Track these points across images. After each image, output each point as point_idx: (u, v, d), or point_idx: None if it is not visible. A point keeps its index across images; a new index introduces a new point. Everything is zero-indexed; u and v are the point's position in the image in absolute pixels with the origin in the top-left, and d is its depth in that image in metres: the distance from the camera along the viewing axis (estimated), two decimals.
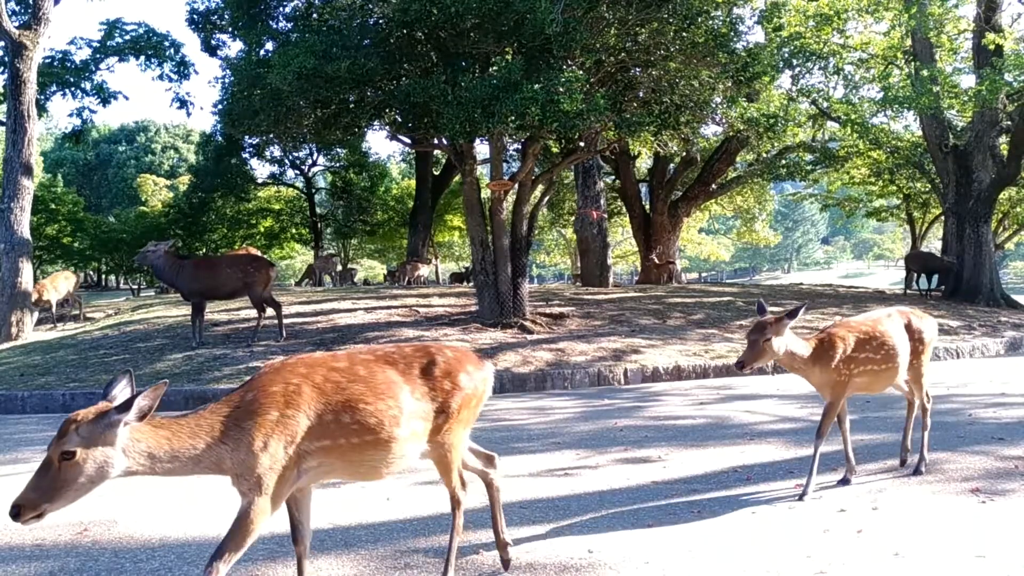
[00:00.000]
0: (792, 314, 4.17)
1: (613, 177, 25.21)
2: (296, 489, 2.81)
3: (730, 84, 11.76)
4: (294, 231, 32.23)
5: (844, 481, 4.63)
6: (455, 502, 3.25)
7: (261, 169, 30.82)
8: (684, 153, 21.78)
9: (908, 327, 4.78)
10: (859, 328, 4.58)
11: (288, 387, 2.73)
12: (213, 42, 16.72)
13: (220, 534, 3.95)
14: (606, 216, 21.46)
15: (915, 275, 19.32)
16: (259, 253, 13.50)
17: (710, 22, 11.40)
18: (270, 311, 11.26)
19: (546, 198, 14.71)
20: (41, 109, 18.57)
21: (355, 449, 2.81)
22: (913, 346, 4.77)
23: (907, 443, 5.04)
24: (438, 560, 3.56)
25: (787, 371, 4.75)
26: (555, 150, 13.95)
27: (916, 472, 4.80)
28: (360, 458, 2.84)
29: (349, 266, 30.49)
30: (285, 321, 11.35)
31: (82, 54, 20.41)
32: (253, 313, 13.00)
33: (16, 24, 15.23)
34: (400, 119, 12.23)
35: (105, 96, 20.37)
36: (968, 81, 18.71)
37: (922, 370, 4.89)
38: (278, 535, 3.96)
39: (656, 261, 22.78)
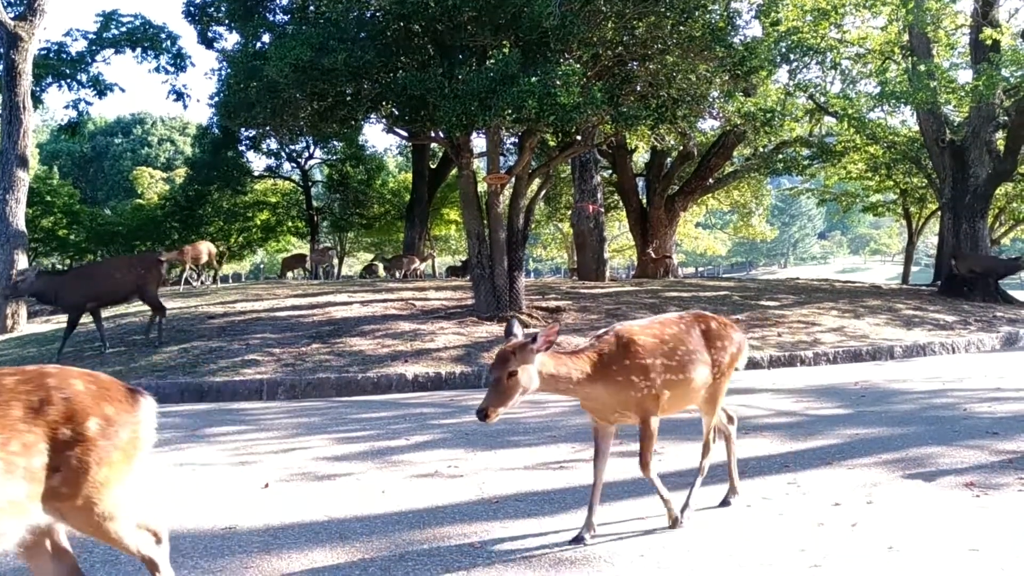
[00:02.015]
0: (535, 338, 3.32)
1: (610, 171, 25.21)
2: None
3: (727, 78, 11.75)
4: (290, 224, 32.17)
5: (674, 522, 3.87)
6: None
7: (257, 162, 30.69)
8: (681, 147, 21.82)
9: (706, 334, 3.96)
10: (647, 331, 3.78)
11: None
12: (209, 34, 16.63)
13: (215, 526, 3.98)
14: (603, 210, 21.46)
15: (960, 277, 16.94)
16: (160, 253, 12.89)
17: (707, 16, 11.38)
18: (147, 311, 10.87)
19: (543, 192, 14.69)
20: (37, 101, 18.53)
21: None
22: (714, 357, 3.93)
23: (734, 478, 4.27)
24: (434, 552, 3.57)
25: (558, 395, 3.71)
26: (552, 144, 13.94)
27: (724, 504, 4.19)
28: None
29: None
30: (280, 314, 11.34)
31: (78, 46, 20.33)
32: (248, 306, 13.02)
33: (11, 15, 15.15)
34: (397, 112, 12.21)
35: (101, 88, 20.29)
36: (965, 76, 18.76)
37: (720, 388, 4.03)
38: (272, 527, 3.97)
39: (653, 255, 22.80)
